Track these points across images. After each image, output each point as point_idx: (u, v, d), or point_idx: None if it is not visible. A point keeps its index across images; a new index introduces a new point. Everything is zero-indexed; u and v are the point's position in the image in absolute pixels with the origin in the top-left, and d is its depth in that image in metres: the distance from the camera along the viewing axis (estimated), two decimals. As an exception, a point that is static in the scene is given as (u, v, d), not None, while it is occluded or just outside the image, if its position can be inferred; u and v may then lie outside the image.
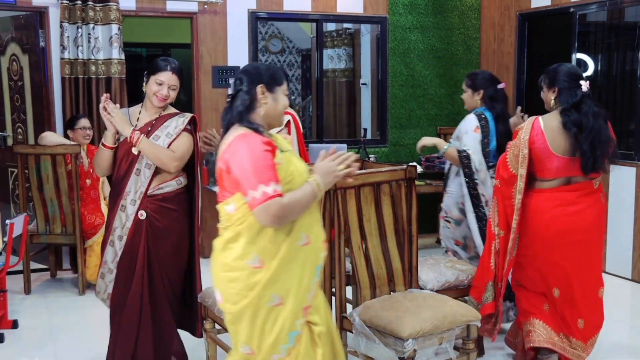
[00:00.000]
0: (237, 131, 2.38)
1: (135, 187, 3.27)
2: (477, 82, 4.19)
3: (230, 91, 2.51)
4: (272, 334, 2.34)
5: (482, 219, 4.04)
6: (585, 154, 3.35)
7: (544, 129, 3.41)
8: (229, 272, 2.36)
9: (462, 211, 4.14)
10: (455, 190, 4.19)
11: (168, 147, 3.26)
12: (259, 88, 2.42)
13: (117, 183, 3.32)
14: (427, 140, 4.30)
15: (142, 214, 3.27)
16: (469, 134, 4.08)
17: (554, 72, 3.49)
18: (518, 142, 3.45)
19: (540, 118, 3.47)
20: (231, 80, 6.71)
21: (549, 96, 3.52)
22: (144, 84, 3.31)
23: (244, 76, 2.44)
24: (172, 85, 3.29)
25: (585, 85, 3.41)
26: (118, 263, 3.31)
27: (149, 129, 3.30)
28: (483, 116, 4.11)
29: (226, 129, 2.45)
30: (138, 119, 3.35)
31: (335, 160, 2.38)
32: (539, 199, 3.48)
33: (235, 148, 2.32)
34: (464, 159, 4.03)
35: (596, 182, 3.51)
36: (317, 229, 2.44)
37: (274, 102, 2.46)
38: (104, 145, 3.29)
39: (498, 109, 4.14)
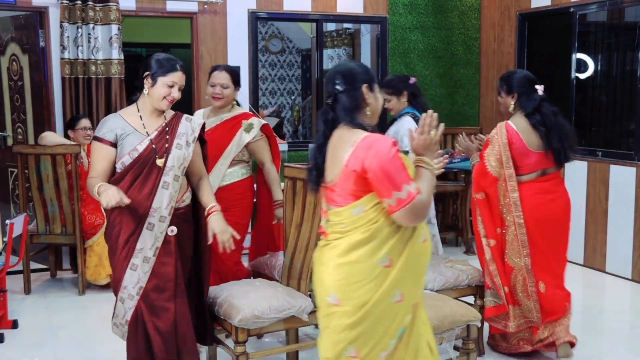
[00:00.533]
0: (355, 132, 2.35)
1: (165, 202, 2.98)
2: (398, 86, 4.41)
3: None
4: (389, 330, 2.35)
5: None
6: (557, 150, 3.68)
7: (517, 130, 3.68)
8: (354, 273, 2.33)
9: None
10: None
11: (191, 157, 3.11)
12: (365, 88, 2.42)
13: (139, 201, 2.95)
14: None
15: (173, 230, 3.02)
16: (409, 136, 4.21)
17: (511, 79, 3.78)
18: (496, 147, 3.68)
19: (509, 122, 3.73)
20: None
21: (508, 101, 3.79)
22: (148, 86, 3.00)
23: (343, 77, 2.42)
24: (182, 85, 3.06)
25: (540, 89, 3.72)
26: (144, 288, 2.99)
27: (167, 137, 3.04)
28: (416, 116, 4.31)
29: (330, 129, 2.43)
30: (144, 125, 3.03)
31: (425, 130, 2.37)
32: (520, 192, 3.72)
33: (371, 149, 2.28)
34: None
35: (562, 173, 3.89)
36: (425, 226, 2.47)
37: (375, 101, 2.47)
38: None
39: (421, 102, 4.43)
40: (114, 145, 3.00)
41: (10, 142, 6.11)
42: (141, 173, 2.97)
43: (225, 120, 3.95)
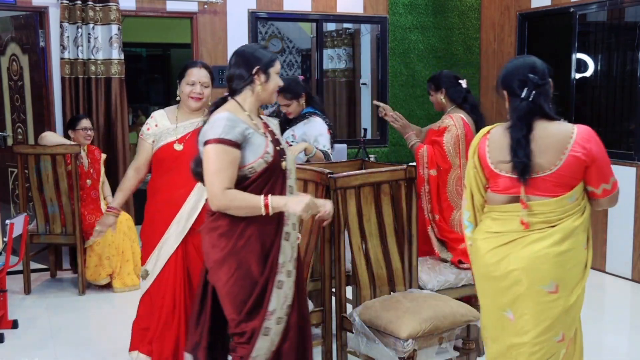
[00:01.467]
0: (561, 124, 2.53)
1: None
2: (297, 90, 4.40)
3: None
4: (582, 307, 2.64)
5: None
6: None
7: (467, 122, 3.95)
8: (571, 259, 2.55)
9: None
10: None
11: None
12: (551, 80, 2.62)
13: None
14: (299, 147, 4.22)
15: (299, 238, 2.72)
16: (324, 135, 4.32)
17: (438, 77, 4.11)
18: (454, 138, 3.89)
19: (461, 114, 3.97)
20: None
21: (438, 97, 4.10)
22: (262, 82, 2.64)
23: (537, 71, 2.57)
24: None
25: (464, 83, 4.06)
26: (290, 307, 2.61)
27: (275, 137, 2.74)
28: (325, 118, 4.41)
29: (528, 122, 2.54)
30: (256, 125, 2.66)
31: None
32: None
33: (591, 139, 2.49)
34: (327, 156, 4.27)
35: None
36: None
37: None
38: (266, 208, 2.50)
39: (316, 99, 4.57)
40: (240, 147, 2.55)
41: (10, 142, 6.11)
42: (271, 178, 2.60)
43: (201, 127, 3.20)
